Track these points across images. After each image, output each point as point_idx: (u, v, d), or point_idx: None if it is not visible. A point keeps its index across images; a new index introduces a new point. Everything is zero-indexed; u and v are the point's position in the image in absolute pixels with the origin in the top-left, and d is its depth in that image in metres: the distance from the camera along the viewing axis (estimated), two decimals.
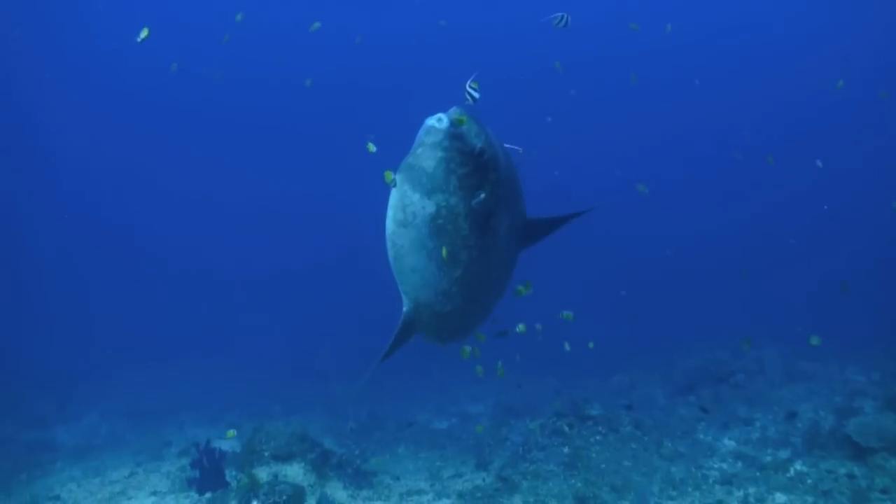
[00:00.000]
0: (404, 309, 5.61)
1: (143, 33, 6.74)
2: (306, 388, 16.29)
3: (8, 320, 23.67)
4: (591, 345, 8.04)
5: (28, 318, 24.89)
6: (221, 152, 40.04)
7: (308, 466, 8.52)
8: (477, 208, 4.77)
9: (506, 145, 5.24)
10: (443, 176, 4.68)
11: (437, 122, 4.69)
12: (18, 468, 11.09)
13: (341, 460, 9.08)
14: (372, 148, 5.36)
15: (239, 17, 15.35)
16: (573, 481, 8.17)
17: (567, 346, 8.07)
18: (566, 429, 9.65)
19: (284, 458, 8.64)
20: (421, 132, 4.81)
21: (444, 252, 4.85)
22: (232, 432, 8.62)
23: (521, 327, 6.74)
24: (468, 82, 4.80)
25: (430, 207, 4.75)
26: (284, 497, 7.13)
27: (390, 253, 5.18)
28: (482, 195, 4.73)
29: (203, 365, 19.84)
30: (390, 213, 5.01)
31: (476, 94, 4.79)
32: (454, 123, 4.67)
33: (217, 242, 36.38)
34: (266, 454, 8.65)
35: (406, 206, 4.81)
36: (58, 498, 9.14)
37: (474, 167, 4.70)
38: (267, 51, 36.18)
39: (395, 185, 4.77)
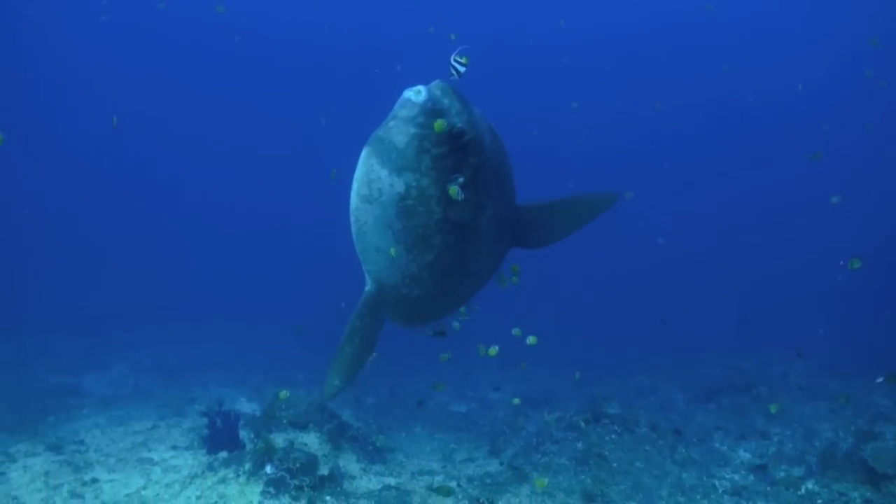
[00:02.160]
0: (366, 289, 5.25)
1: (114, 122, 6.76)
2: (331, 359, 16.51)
3: (45, 267, 24.39)
4: (532, 340, 6.99)
5: (65, 266, 25.58)
6: (258, 112, 40.39)
7: (324, 437, 8.68)
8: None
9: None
10: (414, 154, 4.32)
11: (415, 95, 4.33)
12: (46, 410, 11.47)
13: (357, 434, 9.24)
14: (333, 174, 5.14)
15: None
16: (583, 477, 8.21)
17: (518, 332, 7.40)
18: (582, 424, 9.67)
19: (302, 426, 8.82)
20: (397, 104, 4.46)
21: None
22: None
23: (463, 315, 6.46)
24: (454, 55, 4.39)
25: (399, 186, 4.39)
26: (298, 464, 7.27)
27: (353, 228, 4.85)
28: (460, 180, 4.36)
29: (233, 327, 20.25)
30: (355, 186, 4.69)
31: (462, 69, 4.38)
32: (433, 99, 4.31)
33: (254, 208, 36.85)
34: (284, 421, 8.82)
35: (371, 181, 4.47)
36: (82, 442, 9.45)
37: (452, 148, 4.34)
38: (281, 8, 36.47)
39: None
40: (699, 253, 31.66)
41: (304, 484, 7.11)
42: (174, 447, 9.28)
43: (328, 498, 7.08)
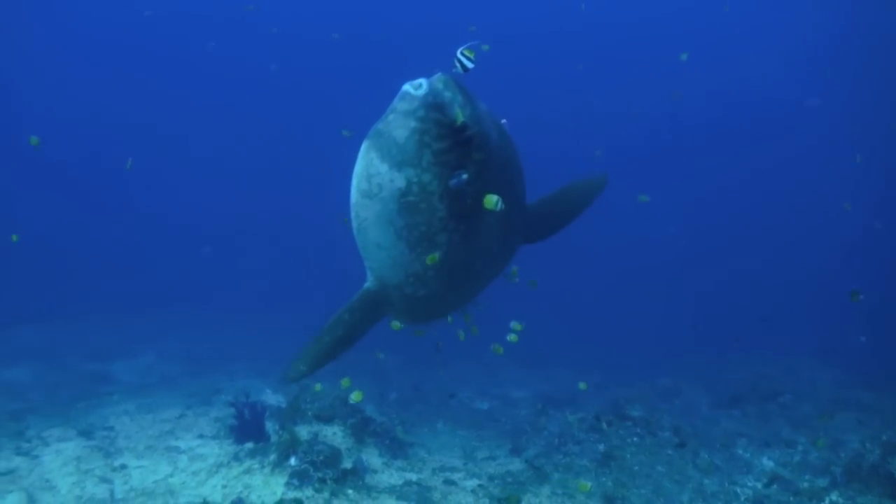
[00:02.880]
0: (366, 285, 5.08)
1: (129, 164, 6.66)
2: (357, 353, 16.65)
3: (79, 256, 24.90)
4: (513, 338, 6.80)
5: (97, 255, 26.09)
6: (279, 109, 40.80)
7: (348, 430, 8.78)
8: (456, 189, 4.24)
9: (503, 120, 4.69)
10: (414, 149, 4.15)
11: (415, 88, 4.18)
12: (78, 396, 11.74)
13: (380, 428, 9.33)
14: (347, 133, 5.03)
15: None
16: (604, 479, 8.22)
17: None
18: (604, 426, 9.67)
19: (326, 419, 8.93)
20: (396, 98, 4.32)
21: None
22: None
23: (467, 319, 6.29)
24: (461, 48, 4.23)
25: (400, 182, 4.23)
26: (321, 457, 7.37)
27: (354, 224, 4.71)
28: (464, 176, 4.20)
29: (259, 319, 20.47)
30: (354, 181, 4.55)
31: (469, 64, 4.21)
32: (434, 92, 4.14)
33: (278, 200, 37.18)
34: (309, 414, 8.95)
35: (371, 175, 4.32)
36: (112, 429, 9.66)
37: (453, 143, 4.17)
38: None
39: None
40: (722, 252, 31.37)
41: (327, 477, 7.21)
42: (201, 436, 9.44)
43: (350, 491, 7.17)
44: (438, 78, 4.20)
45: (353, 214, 4.67)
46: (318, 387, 8.91)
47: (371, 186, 4.34)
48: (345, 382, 6.76)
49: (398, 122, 4.19)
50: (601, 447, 9.10)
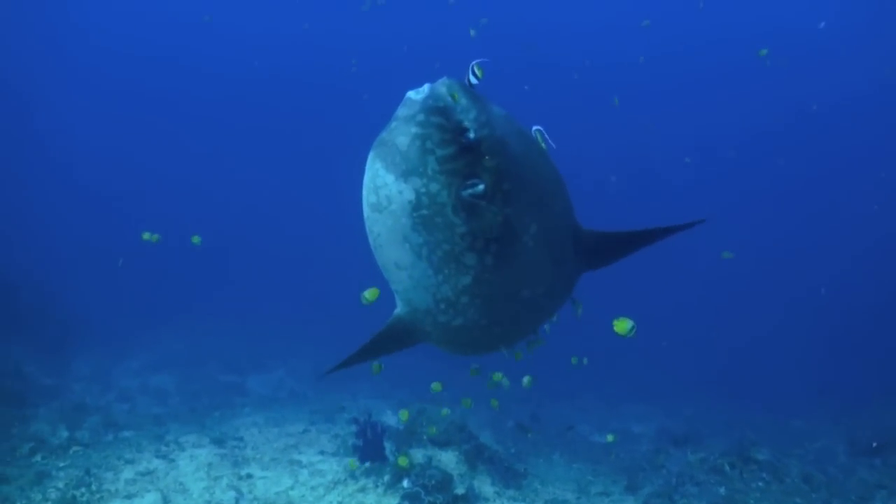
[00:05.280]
0: (396, 311, 4.78)
1: (149, 237, 6.75)
2: (477, 379, 16.81)
3: (217, 279, 26.73)
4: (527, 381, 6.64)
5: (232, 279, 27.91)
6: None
7: (461, 456, 8.91)
8: (469, 201, 3.91)
9: (536, 128, 4.34)
10: (417, 156, 3.90)
11: (416, 93, 3.99)
12: (214, 406, 12.56)
13: (494, 456, 9.38)
14: None
15: None
16: None
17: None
18: (727, 468, 9.27)
19: (441, 444, 9.10)
20: (400, 105, 4.10)
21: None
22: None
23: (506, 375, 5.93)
24: (475, 62, 4.05)
25: (409, 193, 3.95)
26: (433, 482, 7.53)
27: (369, 239, 4.41)
28: (480, 186, 3.90)
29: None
30: (363, 194, 4.28)
31: (473, 80, 4.01)
32: (435, 96, 3.93)
33: None
34: (424, 437, 9.16)
35: (378, 187, 4.07)
36: (241, 439, 10.25)
37: (460, 149, 3.87)
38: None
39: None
40: (864, 291, 29.26)
41: (437, 501, 7.35)
42: (322, 452, 9.85)
43: None
44: (442, 81, 3.99)
45: (366, 230, 4.38)
46: (444, 412, 9.09)
47: (380, 199, 4.09)
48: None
49: (400, 129, 3.98)
50: (722, 490, 8.73)
